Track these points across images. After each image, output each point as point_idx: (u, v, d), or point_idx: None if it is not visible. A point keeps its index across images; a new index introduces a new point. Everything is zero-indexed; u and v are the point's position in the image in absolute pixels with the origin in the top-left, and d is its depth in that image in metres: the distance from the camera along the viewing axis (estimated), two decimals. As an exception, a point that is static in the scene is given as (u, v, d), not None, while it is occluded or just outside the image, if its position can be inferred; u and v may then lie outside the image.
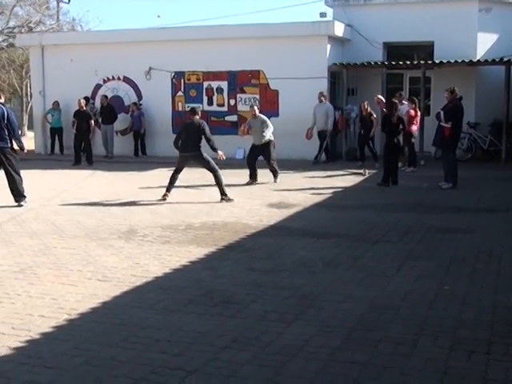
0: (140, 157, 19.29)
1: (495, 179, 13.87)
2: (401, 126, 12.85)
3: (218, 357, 4.27)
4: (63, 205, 10.71)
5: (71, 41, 21.04)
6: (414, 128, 15.10)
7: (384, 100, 14.99)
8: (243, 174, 14.81)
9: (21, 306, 5.36)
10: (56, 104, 19.96)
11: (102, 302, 5.47)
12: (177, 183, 11.41)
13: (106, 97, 19.46)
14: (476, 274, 6.33)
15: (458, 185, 12.23)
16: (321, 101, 17.00)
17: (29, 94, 31.66)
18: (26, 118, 33.63)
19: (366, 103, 16.36)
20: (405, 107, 14.93)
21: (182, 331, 4.74)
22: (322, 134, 17.12)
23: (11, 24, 30.19)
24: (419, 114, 15.54)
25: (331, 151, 17.59)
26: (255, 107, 13.38)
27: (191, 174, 13.57)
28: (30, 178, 14.32)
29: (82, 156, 17.37)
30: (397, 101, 14.02)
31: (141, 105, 19.59)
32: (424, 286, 5.86)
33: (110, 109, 19.36)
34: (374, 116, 16.13)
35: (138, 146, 19.52)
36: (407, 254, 7.11)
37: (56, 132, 20.25)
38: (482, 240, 7.88)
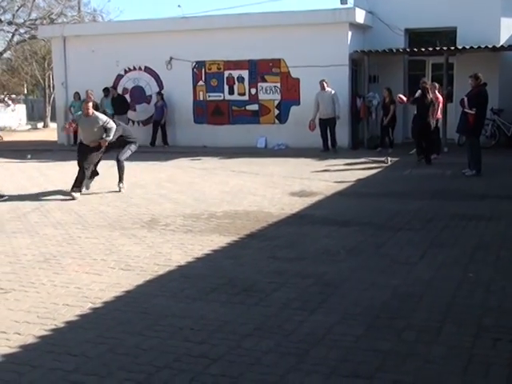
0: (160, 147, 19.21)
1: (520, 166, 13.70)
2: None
3: (240, 345, 4.28)
4: (86, 195, 10.77)
5: (92, 32, 21.10)
6: (439, 114, 15.11)
7: (405, 99, 14.98)
8: (266, 163, 14.83)
9: (46, 295, 5.41)
10: (77, 95, 19.98)
11: (125, 290, 5.51)
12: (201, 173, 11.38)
13: (114, 88, 19.61)
14: (500, 261, 6.26)
15: (481, 172, 12.11)
16: (323, 88, 16.93)
17: (51, 85, 31.87)
18: (49, 109, 33.88)
19: (386, 90, 16.38)
20: None
21: (204, 319, 4.75)
22: (328, 122, 16.99)
23: (33, 16, 30.40)
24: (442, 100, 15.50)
25: (332, 140, 17.37)
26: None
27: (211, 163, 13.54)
28: (53, 168, 14.47)
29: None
30: (428, 86, 14.18)
31: (162, 94, 19.63)
32: (448, 274, 5.82)
33: (122, 100, 19.42)
34: (394, 104, 16.18)
35: (155, 136, 19.44)
36: (430, 242, 7.06)
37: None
38: (506, 227, 7.79)
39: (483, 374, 3.79)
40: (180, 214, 8.91)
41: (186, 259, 6.50)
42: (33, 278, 5.93)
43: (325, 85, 16.92)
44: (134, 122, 20.01)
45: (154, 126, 19.42)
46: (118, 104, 19.21)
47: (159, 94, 19.35)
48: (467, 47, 17.02)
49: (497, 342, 4.22)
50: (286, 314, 4.83)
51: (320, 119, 17.04)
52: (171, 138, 19.56)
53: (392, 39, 18.26)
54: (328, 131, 17.08)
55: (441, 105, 15.06)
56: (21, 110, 36.57)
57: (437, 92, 14.91)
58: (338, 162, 14.74)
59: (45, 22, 28.80)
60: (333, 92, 16.95)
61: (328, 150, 17.01)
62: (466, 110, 12.03)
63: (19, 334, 4.54)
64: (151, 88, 19.85)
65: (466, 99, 12.01)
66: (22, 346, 4.32)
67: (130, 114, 19.82)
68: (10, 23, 29.79)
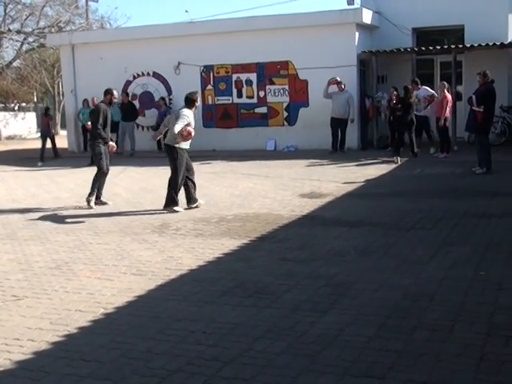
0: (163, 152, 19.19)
1: (530, 163, 13.63)
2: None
3: (252, 347, 4.28)
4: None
5: (100, 39, 21.24)
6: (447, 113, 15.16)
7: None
8: (275, 166, 14.83)
9: (58, 302, 5.44)
10: (86, 102, 20.02)
11: (137, 295, 5.52)
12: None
13: (126, 94, 19.65)
14: (512, 258, 6.24)
15: (491, 169, 12.07)
16: (340, 89, 16.94)
17: (61, 92, 32.05)
18: (58, 116, 34.04)
19: (393, 91, 16.49)
20: (421, 91, 15.40)
21: (216, 322, 4.76)
22: (340, 122, 16.99)
23: (41, 24, 30.65)
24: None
25: (341, 142, 17.34)
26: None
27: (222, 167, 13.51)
28: (64, 176, 14.53)
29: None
30: (410, 86, 15.13)
31: (171, 99, 19.68)
32: (459, 272, 5.80)
33: (131, 106, 19.47)
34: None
35: (161, 141, 19.48)
36: (441, 241, 7.04)
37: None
38: (517, 224, 7.77)
39: (496, 372, 3.78)
40: (190, 218, 8.93)
41: (197, 263, 6.51)
42: (45, 285, 5.95)
43: (342, 86, 16.93)
44: (143, 127, 20.09)
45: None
46: (127, 110, 19.25)
47: (162, 99, 19.39)
48: (475, 45, 16.98)
49: (509, 340, 4.20)
50: (298, 316, 4.83)
51: (332, 118, 17.03)
52: (180, 142, 19.58)
53: (400, 39, 18.25)
54: (339, 132, 17.10)
55: (450, 104, 15.03)
56: (30, 118, 36.79)
57: (445, 91, 14.92)
58: (348, 163, 14.73)
59: (53, 30, 29.01)
60: (349, 94, 16.96)
61: (337, 150, 17.00)
62: (474, 108, 12.01)
63: (32, 340, 4.56)
64: (160, 93, 19.91)
65: (473, 97, 11.99)
66: (35, 353, 4.35)
67: (140, 119, 19.90)
68: (18, 32, 30.02)
